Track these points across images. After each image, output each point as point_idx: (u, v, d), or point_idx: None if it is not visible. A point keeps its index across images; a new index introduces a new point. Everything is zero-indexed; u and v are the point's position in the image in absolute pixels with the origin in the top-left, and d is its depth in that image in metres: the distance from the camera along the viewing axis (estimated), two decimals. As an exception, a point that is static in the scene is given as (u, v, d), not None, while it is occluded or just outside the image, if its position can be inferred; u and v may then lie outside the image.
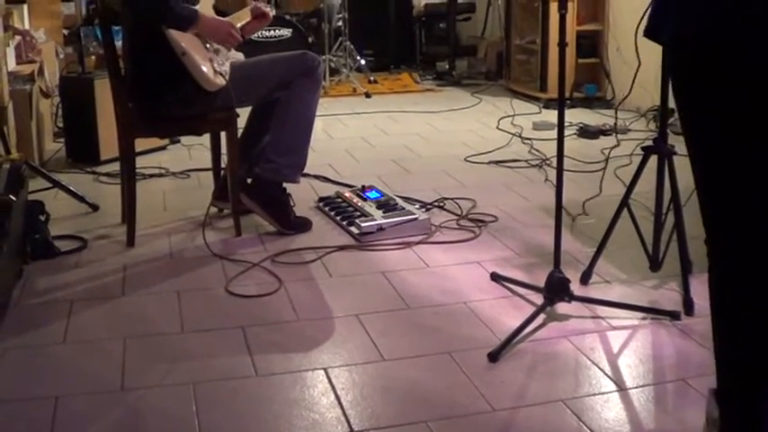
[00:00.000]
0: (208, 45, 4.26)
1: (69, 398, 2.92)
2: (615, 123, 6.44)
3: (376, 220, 4.48)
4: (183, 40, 4.10)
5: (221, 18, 4.40)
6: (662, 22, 2.21)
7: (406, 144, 6.62)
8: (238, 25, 4.38)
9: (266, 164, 4.49)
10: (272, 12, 4.68)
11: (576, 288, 3.59)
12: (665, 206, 3.73)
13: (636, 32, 2.61)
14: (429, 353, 3.22)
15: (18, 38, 5.90)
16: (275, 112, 4.49)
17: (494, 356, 3.15)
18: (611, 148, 5.60)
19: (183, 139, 6.49)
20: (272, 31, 8.31)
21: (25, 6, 6.50)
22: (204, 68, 4.13)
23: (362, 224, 4.43)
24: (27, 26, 6.50)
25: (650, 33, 2.28)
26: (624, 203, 3.75)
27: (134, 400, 2.91)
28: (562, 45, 3.37)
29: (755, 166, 2.08)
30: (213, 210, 4.70)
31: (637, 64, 4.06)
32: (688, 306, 3.52)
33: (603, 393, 2.94)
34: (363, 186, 5.03)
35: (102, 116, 5.77)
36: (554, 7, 7.50)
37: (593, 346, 3.27)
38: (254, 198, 4.51)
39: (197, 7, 4.28)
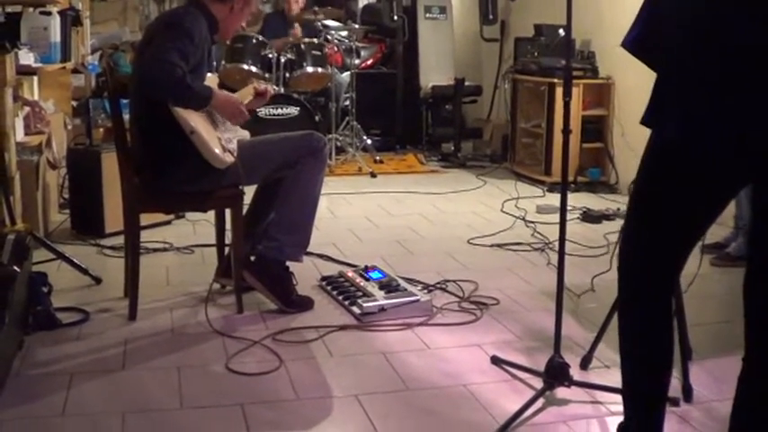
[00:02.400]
0: (215, 120, 4.31)
1: (65, 472, 2.92)
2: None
3: (378, 300, 4.49)
4: (191, 117, 4.13)
5: (232, 94, 4.46)
6: (662, 116, 2.51)
7: (409, 225, 6.64)
8: (244, 103, 4.44)
9: (270, 242, 4.51)
10: (273, 89, 4.72)
11: (575, 373, 3.60)
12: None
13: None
14: (427, 435, 3.22)
15: (27, 108, 5.94)
16: (280, 190, 4.52)
17: (492, 440, 3.15)
18: (617, 233, 5.61)
19: (189, 214, 6.51)
20: (279, 110, 8.37)
21: (35, 77, 6.55)
22: (213, 146, 4.16)
23: (364, 304, 4.44)
24: (36, 97, 6.54)
25: (647, 121, 2.59)
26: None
27: (130, 476, 2.91)
28: (566, 132, 3.41)
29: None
30: (216, 286, 4.72)
31: (641, 149, 4.09)
32: (687, 393, 3.52)
33: (602, 481, 2.93)
34: (366, 266, 5.03)
35: (109, 189, 5.80)
36: (559, 92, 7.59)
37: (592, 432, 3.27)
38: (257, 275, 4.52)
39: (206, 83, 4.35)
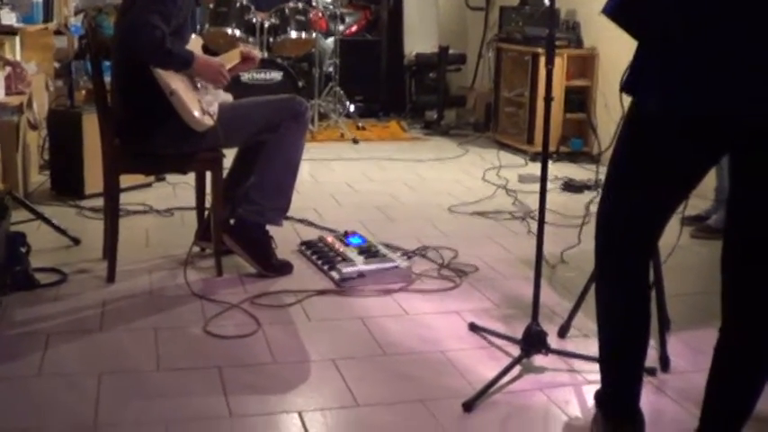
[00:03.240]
0: (198, 84, 4.29)
1: None
2: (598, 178, 6.46)
3: (357, 265, 4.49)
4: (172, 79, 4.11)
5: (212, 58, 4.43)
6: (641, 84, 2.53)
7: (390, 191, 6.64)
8: (228, 66, 4.42)
9: (250, 205, 4.49)
10: (260, 55, 4.70)
11: (553, 341, 3.60)
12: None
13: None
14: (404, 400, 3.22)
15: (8, 69, 5.89)
16: (261, 154, 4.50)
17: (468, 406, 3.15)
18: (593, 202, 5.62)
19: (169, 176, 6.48)
20: (262, 74, 8.35)
21: (17, 38, 6.50)
22: (192, 108, 4.15)
23: (343, 269, 4.44)
24: (18, 57, 6.49)
25: (627, 88, 2.61)
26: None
27: (106, 437, 2.91)
28: (548, 100, 3.41)
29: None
30: (195, 249, 4.70)
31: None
32: (664, 363, 3.54)
33: (576, 448, 2.95)
34: (346, 232, 5.04)
35: (89, 150, 5.78)
36: (543, 62, 7.57)
37: (568, 400, 3.28)
38: (237, 239, 4.51)
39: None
